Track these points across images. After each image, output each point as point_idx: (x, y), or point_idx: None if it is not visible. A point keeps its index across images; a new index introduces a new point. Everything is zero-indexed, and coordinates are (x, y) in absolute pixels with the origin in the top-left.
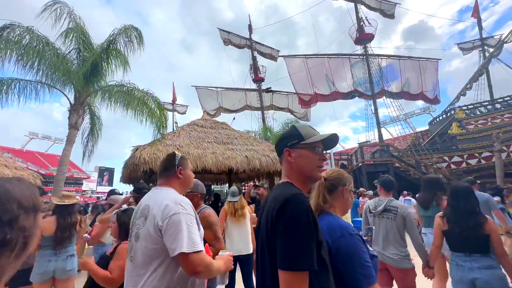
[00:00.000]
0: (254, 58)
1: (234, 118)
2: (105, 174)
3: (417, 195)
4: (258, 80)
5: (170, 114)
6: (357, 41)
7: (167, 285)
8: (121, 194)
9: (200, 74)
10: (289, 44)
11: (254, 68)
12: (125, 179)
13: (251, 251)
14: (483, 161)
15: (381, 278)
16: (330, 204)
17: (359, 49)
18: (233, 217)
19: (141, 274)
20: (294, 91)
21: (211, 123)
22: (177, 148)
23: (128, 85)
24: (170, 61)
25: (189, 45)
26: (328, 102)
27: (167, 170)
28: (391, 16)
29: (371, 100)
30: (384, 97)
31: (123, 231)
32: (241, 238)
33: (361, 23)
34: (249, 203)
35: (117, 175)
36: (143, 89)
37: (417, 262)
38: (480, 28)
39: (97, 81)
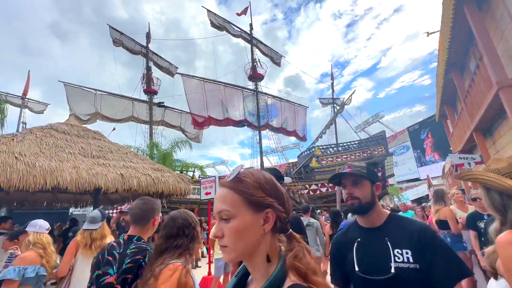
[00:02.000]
0: (149, 68)
1: (114, 129)
2: None
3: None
4: (150, 92)
5: (16, 110)
6: (250, 78)
7: None
8: None
9: (74, 70)
10: (187, 63)
11: (147, 78)
12: None
13: None
14: (330, 190)
15: None
16: None
17: (251, 85)
18: (88, 249)
19: None
20: (189, 111)
21: (78, 130)
22: (16, 157)
23: None
24: (30, 44)
25: (63, 31)
26: (220, 126)
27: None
28: (278, 64)
29: (257, 131)
30: (267, 130)
31: None
32: None
33: (255, 63)
34: (113, 231)
35: None
36: None
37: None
38: (333, 90)
39: None
